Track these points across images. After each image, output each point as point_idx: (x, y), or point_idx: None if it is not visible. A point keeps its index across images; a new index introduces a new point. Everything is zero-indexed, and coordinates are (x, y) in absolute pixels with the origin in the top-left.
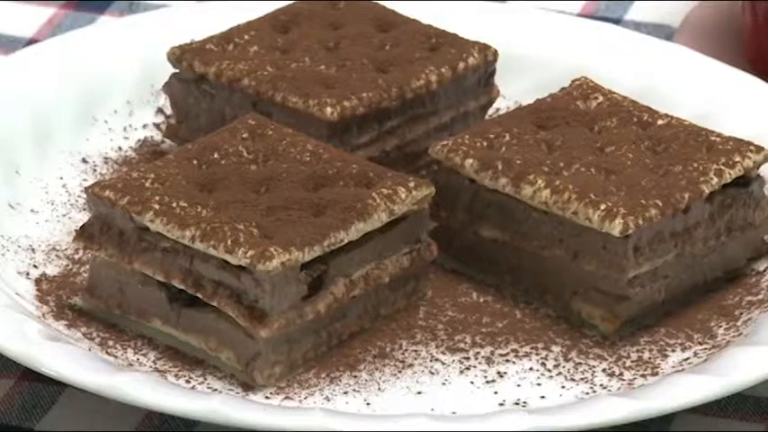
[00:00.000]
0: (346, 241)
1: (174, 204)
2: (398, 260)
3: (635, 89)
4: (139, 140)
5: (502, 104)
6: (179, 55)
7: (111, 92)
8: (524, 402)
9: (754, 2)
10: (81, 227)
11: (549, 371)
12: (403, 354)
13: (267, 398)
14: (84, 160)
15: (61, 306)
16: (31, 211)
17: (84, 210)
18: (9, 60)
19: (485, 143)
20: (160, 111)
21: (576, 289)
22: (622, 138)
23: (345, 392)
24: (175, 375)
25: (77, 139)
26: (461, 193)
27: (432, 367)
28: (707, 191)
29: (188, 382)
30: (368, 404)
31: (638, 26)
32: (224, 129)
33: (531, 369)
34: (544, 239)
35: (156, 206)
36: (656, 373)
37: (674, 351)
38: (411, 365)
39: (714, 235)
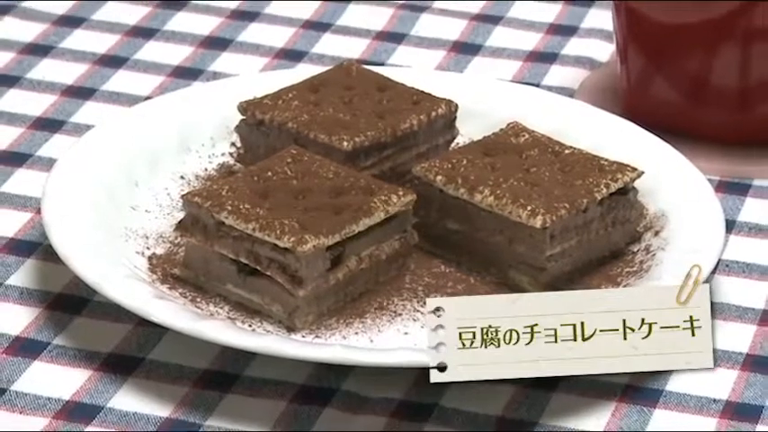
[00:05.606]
0: (357, 231)
1: (241, 206)
2: (391, 244)
3: (550, 130)
4: (219, 164)
5: (461, 140)
6: (245, 107)
7: (201, 131)
8: None
9: (627, 72)
10: (179, 221)
11: None
12: (395, 307)
13: (303, 337)
14: (181, 177)
15: (165, 275)
16: (146, 211)
17: (182, 210)
18: (131, 111)
19: (450, 165)
20: (233, 144)
21: (511, 263)
22: (541, 162)
23: (356, 333)
24: (242, 322)
25: (177, 163)
26: (434, 199)
27: (414, 316)
28: (599, 197)
29: (250, 326)
30: (371, 341)
31: (550, 88)
32: (275, 156)
33: None
34: (490, 230)
35: (229, 207)
36: None
37: None
38: (400, 315)
39: (604, 227)
